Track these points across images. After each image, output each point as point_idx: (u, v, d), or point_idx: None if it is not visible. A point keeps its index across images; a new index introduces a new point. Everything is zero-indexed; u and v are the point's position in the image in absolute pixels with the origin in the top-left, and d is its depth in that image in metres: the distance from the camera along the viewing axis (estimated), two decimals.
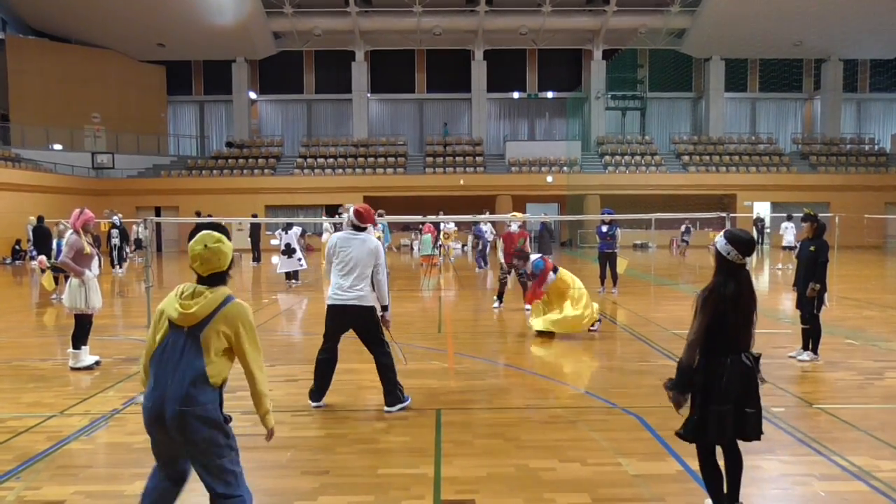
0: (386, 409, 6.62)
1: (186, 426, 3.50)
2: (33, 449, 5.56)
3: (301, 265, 18.45)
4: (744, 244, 4.04)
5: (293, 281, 18.37)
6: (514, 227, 13.23)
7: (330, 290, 6.77)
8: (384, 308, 6.83)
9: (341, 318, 6.75)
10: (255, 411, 3.87)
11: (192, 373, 3.52)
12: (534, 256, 11.04)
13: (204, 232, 3.75)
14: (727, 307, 3.98)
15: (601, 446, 5.62)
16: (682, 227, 32.57)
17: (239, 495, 3.71)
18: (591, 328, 10.80)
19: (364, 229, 6.81)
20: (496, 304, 13.61)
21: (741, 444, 4.22)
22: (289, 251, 18.10)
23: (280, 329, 12.05)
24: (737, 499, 4.25)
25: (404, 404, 6.67)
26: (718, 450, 4.24)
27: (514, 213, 13.56)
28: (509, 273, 13.40)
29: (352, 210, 6.98)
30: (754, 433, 4.08)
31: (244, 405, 6.86)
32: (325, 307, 6.86)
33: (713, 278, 4.11)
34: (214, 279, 3.71)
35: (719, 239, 4.13)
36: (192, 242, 3.70)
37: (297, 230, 18.46)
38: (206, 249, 3.65)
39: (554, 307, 10.75)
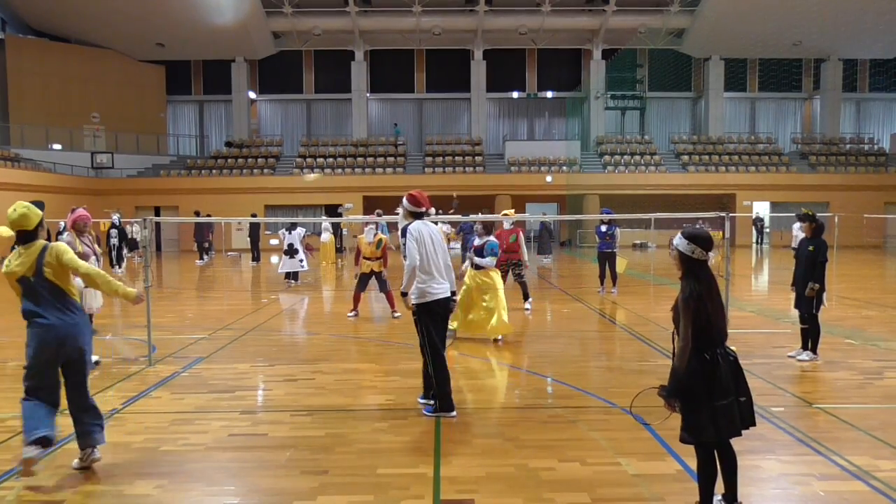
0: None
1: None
2: None
3: (302, 266, 18.47)
4: (703, 240, 4.08)
5: (291, 281, 18.39)
6: (506, 225, 13.19)
7: (431, 284, 6.39)
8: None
9: (445, 311, 6.51)
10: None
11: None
12: (489, 238, 10.69)
13: (18, 202, 5.01)
14: (707, 305, 4.02)
15: (601, 446, 5.62)
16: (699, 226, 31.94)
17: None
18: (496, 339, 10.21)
19: (426, 214, 6.74)
20: None
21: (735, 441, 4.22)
22: (291, 251, 18.13)
23: (280, 329, 12.05)
24: (735, 498, 4.25)
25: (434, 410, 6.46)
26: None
27: (506, 212, 13.47)
28: (506, 272, 13.28)
29: (406, 198, 6.89)
30: (750, 421, 4.13)
31: (243, 404, 6.89)
32: (425, 304, 6.40)
33: (684, 282, 4.11)
34: (24, 236, 5.00)
35: (679, 240, 4.13)
36: (8, 209, 4.93)
37: (300, 231, 18.48)
38: (14, 212, 4.93)
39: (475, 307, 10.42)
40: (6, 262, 4.95)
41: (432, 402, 6.48)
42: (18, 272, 4.95)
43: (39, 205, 5.27)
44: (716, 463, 4.17)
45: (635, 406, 4.19)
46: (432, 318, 6.40)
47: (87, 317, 5.18)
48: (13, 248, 5.06)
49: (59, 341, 5.16)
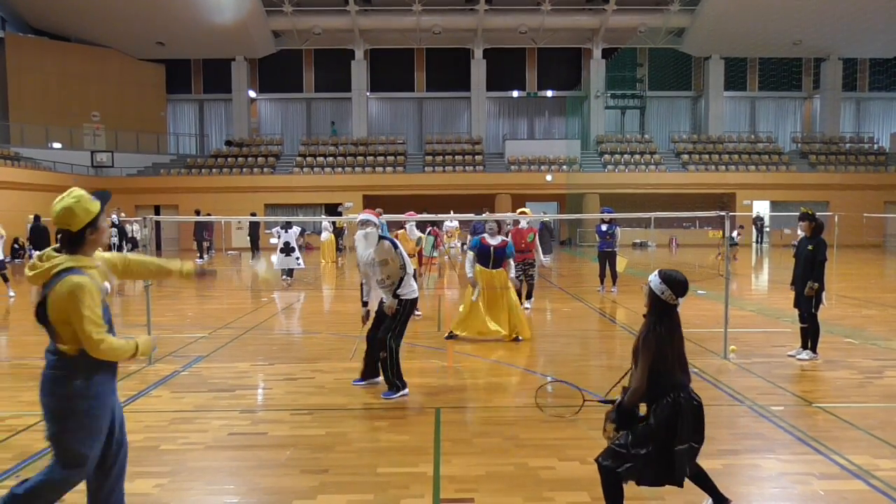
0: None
1: (42, 387, 3.48)
2: (32, 447, 5.55)
3: (299, 265, 18.53)
4: (677, 284, 3.99)
5: (288, 278, 18.46)
6: (522, 224, 13.11)
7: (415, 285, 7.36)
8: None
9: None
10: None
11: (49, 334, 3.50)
12: (506, 238, 10.67)
13: (74, 188, 3.69)
14: (665, 348, 3.94)
15: (600, 445, 5.58)
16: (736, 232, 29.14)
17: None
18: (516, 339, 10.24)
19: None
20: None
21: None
22: (287, 250, 18.19)
23: (280, 328, 12.05)
24: (722, 498, 4.17)
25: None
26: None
27: (523, 210, 13.41)
28: (522, 272, 13.16)
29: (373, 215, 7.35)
30: (679, 479, 3.99)
31: (243, 403, 6.89)
32: (413, 300, 7.32)
33: (647, 319, 4.06)
34: (64, 239, 3.50)
35: (653, 278, 4.07)
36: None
37: (296, 230, 18.53)
38: (59, 202, 3.55)
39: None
40: (32, 262, 3.51)
41: (392, 388, 7.10)
42: (33, 283, 3.53)
43: (103, 196, 3.75)
44: (622, 488, 4.02)
45: (540, 398, 4.18)
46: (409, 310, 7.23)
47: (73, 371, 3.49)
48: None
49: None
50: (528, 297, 13.31)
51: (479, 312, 10.18)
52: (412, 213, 12.31)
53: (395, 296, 7.03)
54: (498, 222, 10.81)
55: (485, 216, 11.02)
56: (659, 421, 3.89)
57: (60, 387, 3.43)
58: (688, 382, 3.99)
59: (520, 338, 10.16)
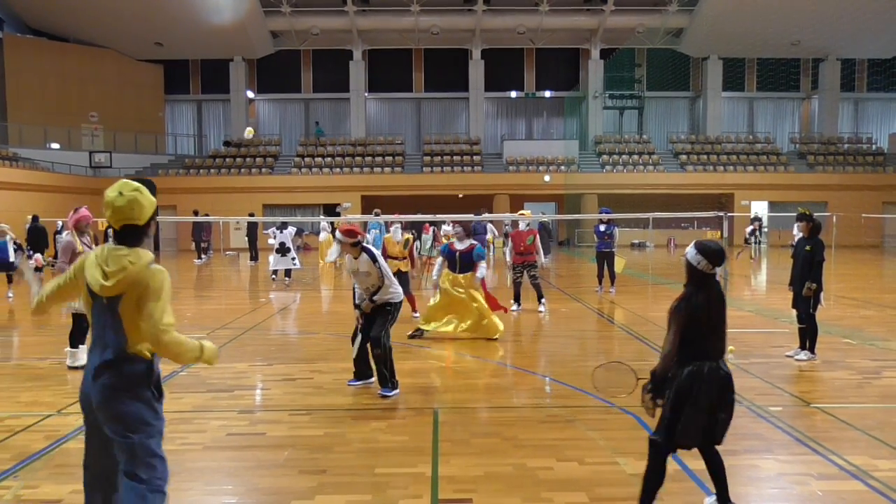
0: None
1: (110, 401, 3.23)
2: (31, 448, 5.56)
3: (294, 264, 18.58)
4: (713, 253, 4.11)
5: (286, 279, 18.50)
6: (522, 226, 13.10)
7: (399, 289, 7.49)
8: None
9: None
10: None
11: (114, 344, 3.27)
12: (474, 241, 10.52)
13: (123, 180, 3.42)
14: (700, 316, 4.06)
15: (599, 445, 5.62)
16: (750, 228, 28.92)
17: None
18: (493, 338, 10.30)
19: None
20: (514, 308, 13.09)
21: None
22: (283, 250, 18.26)
23: (278, 328, 12.05)
24: (728, 499, 4.24)
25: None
26: (695, 455, 4.27)
27: (522, 212, 13.41)
28: (522, 274, 13.16)
29: (343, 233, 7.41)
30: (720, 436, 4.12)
31: (241, 404, 6.89)
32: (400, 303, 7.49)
33: (685, 289, 4.18)
34: (128, 234, 3.32)
35: (690, 250, 4.20)
36: (107, 190, 3.36)
37: (291, 230, 18.60)
38: (119, 196, 3.30)
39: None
40: (91, 262, 3.33)
41: (388, 386, 7.15)
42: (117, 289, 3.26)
43: (151, 187, 3.59)
44: (665, 469, 4.13)
45: (597, 380, 4.42)
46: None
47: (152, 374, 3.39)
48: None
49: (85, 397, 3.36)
50: (539, 298, 13.23)
51: (443, 312, 10.35)
52: (397, 214, 12.32)
53: (371, 300, 7.20)
54: (464, 226, 10.64)
55: (484, 216, 11.03)
56: (679, 385, 4.04)
57: (143, 389, 3.29)
58: (720, 354, 4.12)
59: (495, 337, 10.23)
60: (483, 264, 10.31)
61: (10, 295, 15.99)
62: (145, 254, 3.30)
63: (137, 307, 3.22)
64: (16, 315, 13.75)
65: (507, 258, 13.76)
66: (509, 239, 13.51)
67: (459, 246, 10.39)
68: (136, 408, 3.26)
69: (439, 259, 10.58)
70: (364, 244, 7.23)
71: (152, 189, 3.44)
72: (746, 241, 29.25)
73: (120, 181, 3.38)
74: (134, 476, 3.24)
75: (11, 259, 16.32)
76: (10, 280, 16.49)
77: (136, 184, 3.37)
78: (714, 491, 4.29)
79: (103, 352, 3.27)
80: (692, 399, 4.00)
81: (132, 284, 3.21)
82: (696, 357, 4.06)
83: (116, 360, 3.25)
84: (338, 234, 7.50)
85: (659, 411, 4.14)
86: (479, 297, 10.24)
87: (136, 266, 3.22)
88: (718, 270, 4.17)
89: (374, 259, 7.15)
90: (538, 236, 13.07)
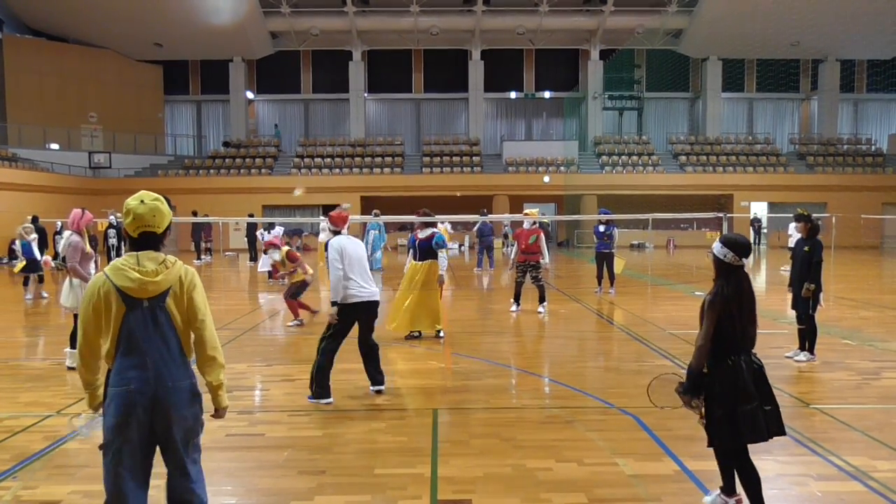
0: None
1: (179, 402, 3.35)
2: (30, 448, 5.56)
3: None
4: (738, 246, 4.19)
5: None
6: (526, 224, 13.06)
7: (354, 288, 6.97)
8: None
9: (367, 313, 7.17)
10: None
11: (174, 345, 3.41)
12: (434, 230, 10.62)
13: (144, 191, 3.57)
14: (732, 308, 4.11)
15: (598, 446, 5.62)
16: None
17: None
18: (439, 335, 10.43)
19: (338, 232, 7.30)
20: (514, 308, 13.16)
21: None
22: None
23: (276, 329, 12.05)
24: (734, 490, 4.28)
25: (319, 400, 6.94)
26: (695, 456, 4.29)
27: (528, 211, 13.37)
28: (524, 275, 13.10)
29: (329, 219, 7.42)
30: (778, 429, 4.14)
31: (240, 405, 6.88)
32: (347, 305, 6.94)
33: (715, 284, 4.23)
34: (147, 241, 3.42)
35: (716, 244, 4.27)
36: (129, 198, 3.46)
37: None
38: (141, 204, 3.41)
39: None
40: (122, 269, 3.34)
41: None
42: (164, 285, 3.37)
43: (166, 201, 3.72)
44: (752, 463, 4.17)
45: (653, 389, 4.37)
46: (350, 320, 6.99)
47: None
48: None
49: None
50: (541, 300, 13.19)
51: (401, 308, 10.35)
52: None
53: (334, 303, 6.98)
54: (427, 213, 10.81)
55: (489, 217, 11.03)
56: (722, 384, 4.07)
57: (198, 393, 3.48)
58: (750, 347, 4.17)
59: (441, 333, 10.35)
60: (443, 255, 10.33)
61: (30, 297, 15.86)
62: (174, 257, 3.50)
63: (185, 303, 3.41)
64: (15, 315, 13.73)
65: (511, 257, 13.70)
66: (512, 238, 13.44)
67: (421, 234, 10.54)
68: (197, 410, 3.47)
69: (410, 251, 10.73)
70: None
71: (168, 204, 3.62)
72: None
73: (140, 192, 3.53)
74: (188, 473, 3.45)
75: (38, 257, 16.34)
76: (41, 280, 16.47)
77: (156, 194, 3.54)
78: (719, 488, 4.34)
79: (159, 358, 3.33)
80: (742, 393, 4.03)
81: (177, 281, 3.40)
82: (731, 351, 4.11)
83: (177, 362, 3.39)
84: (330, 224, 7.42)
85: (699, 412, 4.19)
86: (435, 295, 10.28)
87: (177, 264, 3.43)
88: (745, 262, 4.22)
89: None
90: (542, 237, 12.98)
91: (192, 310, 3.42)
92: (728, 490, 4.33)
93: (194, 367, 3.52)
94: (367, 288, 6.99)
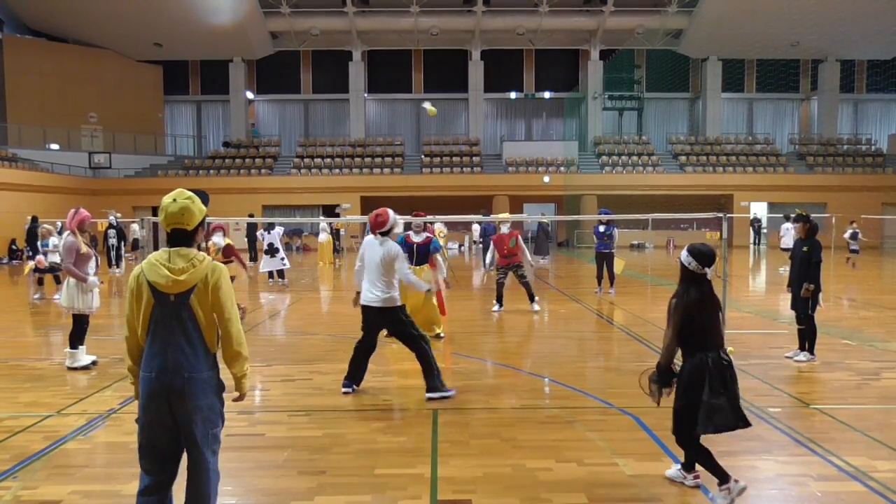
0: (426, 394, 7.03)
1: (195, 392, 3.51)
2: (30, 448, 5.55)
3: (284, 264, 18.60)
4: (702, 256, 4.51)
5: (281, 280, 18.53)
6: (504, 229, 13.12)
7: (363, 290, 7.27)
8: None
9: (368, 316, 7.29)
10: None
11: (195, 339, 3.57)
12: (428, 234, 10.55)
13: (179, 189, 3.73)
14: (693, 311, 4.46)
15: (598, 446, 5.62)
16: (849, 231, 24.78)
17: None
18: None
19: (385, 234, 7.31)
20: (496, 308, 13.25)
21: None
22: (272, 251, 18.31)
23: (277, 329, 12.05)
24: (727, 477, 4.49)
25: (444, 393, 7.00)
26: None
27: (503, 216, 13.41)
28: (505, 275, 13.25)
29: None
30: (743, 423, 4.46)
31: (240, 405, 6.86)
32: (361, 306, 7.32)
33: (678, 287, 4.59)
34: (178, 237, 3.61)
35: (683, 252, 4.60)
36: (164, 196, 3.65)
37: (279, 230, 18.68)
38: (173, 203, 3.60)
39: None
40: (155, 264, 3.53)
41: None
42: (190, 282, 3.52)
43: (203, 197, 3.92)
44: (704, 450, 4.51)
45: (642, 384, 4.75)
46: (363, 319, 7.30)
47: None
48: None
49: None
50: (531, 298, 13.25)
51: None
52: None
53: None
54: (421, 216, 10.69)
55: (494, 216, 11.00)
56: (688, 376, 4.47)
57: (218, 383, 3.64)
58: (718, 345, 4.51)
59: (441, 335, 10.34)
60: (440, 258, 10.36)
61: (38, 297, 15.82)
62: (204, 254, 3.64)
63: (210, 300, 3.55)
64: (14, 315, 13.72)
65: (487, 260, 13.73)
66: (492, 242, 13.41)
67: (416, 239, 10.41)
68: (214, 401, 3.62)
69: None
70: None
71: (205, 199, 3.82)
72: (854, 249, 27.32)
73: (177, 189, 3.69)
74: (207, 461, 3.61)
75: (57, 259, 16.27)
76: (58, 281, 16.42)
77: (190, 192, 3.72)
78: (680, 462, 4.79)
79: (178, 349, 3.50)
80: (705, 386, 4.36)
81: (203, 279, 3.53)
82: (697, 348, 4.47)
83: (197, 355, 3.54)
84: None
85: (668, 400, 4.60)
86: (431, 299, 10.22)
87: (203, 262, 3.56)
88: (708, 271, 4.51)
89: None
90: (520, 237, 13.07)
91: (218, 307, 3.57)
92: (687, 467, 4.76)
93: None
94: (368, 293, 7.16)
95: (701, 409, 4.35)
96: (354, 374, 7.30)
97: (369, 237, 7.39)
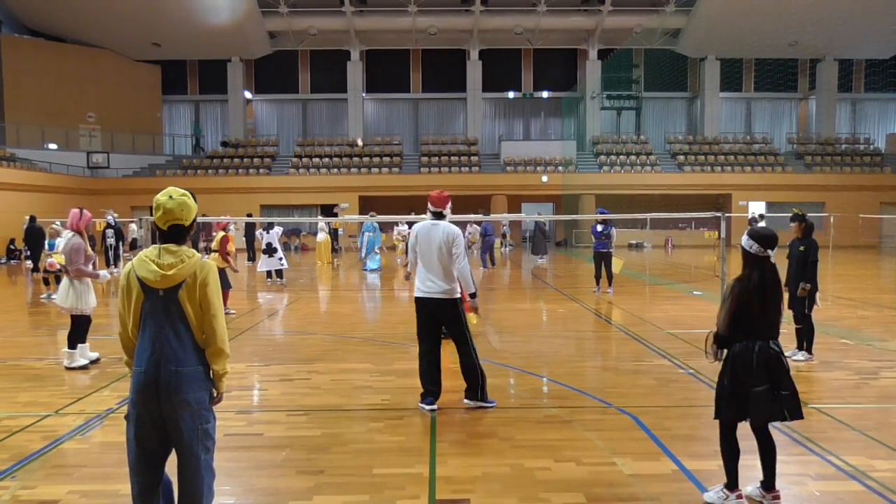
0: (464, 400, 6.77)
1: (181, 386, 3.52)
2: (28, 448, 5.55)
3: (282, 264, 18.61)
4: (764, 238, 4.45)
5: (279, 280, 18.53)
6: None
7: (417, 282, 6.69)
8: (471, 295, 6.80)
9: (425, 310, 6.65)
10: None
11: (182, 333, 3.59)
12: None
13: (171, 186, 3.80)
14: (752, 296, 4.36)
15: (596, 446, 5.62)
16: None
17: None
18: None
19: (441, 215, 6.81)
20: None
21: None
22: (270, 251, 18.32)
23: (276, 329, 12.04)
24: (773, 486, 4.45)
25: (486, 405, 6.66)
26: (747, 433, 4.46)
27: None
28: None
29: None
30: (792, 413, 4.37)
31: (238, 405, 6.88)
32: (415, 298, 6.73)
33: (742, 271, 4.49)
34: (175, 233, 3.67)
35: (744, 237, 4.55)
36: (158, 194, 3.70)
37: (278, 230, 18.67)
38: (170, 199, 3.67)
39: None
40: (144, 260, 3.55)
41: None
42: (177, 278, 3.55)
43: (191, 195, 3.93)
44: (736, 441, 4.46)
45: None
46: (417, 313, 6.69)
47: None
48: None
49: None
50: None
51: None
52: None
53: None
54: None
55: (493, 216, 11.00)
56: (732, 362, 4.39)
57: (207, 379, 3.68)
58: (773, 336, 4.47)
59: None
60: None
61: (45, 296, 15.78)
62: (193, 250, 3.68)
63: (197, 296, 3.58)
64: (14, 315, 13.71)
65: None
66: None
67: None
68: (203, 396, 3.62)
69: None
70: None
71: (193, 198, 3.89)
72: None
73: (168, 188, 3.76)
74: (197, 458, 3.58)
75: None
76: (58, 280, 16.37)
77: (183, 190, 3.81)
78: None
79: (167, 343, 3.52)
80: (750, 377, 4.31)
81: (192, 275, 3.57)
82: (746, 335, 4.38)
83: (186, 349, 3.57)
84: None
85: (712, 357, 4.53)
86: None
87: (192, 258, 3.60)
88: (771, 253, 4.45)
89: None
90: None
91: (205, 303, 3.59)
92: (731, 485, 4.48)
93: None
94: (426, 284, 6.56)
95: (729, 394, 4.35)
96: (432, 390, 6.66)
97: (418, 224, 6.87)
